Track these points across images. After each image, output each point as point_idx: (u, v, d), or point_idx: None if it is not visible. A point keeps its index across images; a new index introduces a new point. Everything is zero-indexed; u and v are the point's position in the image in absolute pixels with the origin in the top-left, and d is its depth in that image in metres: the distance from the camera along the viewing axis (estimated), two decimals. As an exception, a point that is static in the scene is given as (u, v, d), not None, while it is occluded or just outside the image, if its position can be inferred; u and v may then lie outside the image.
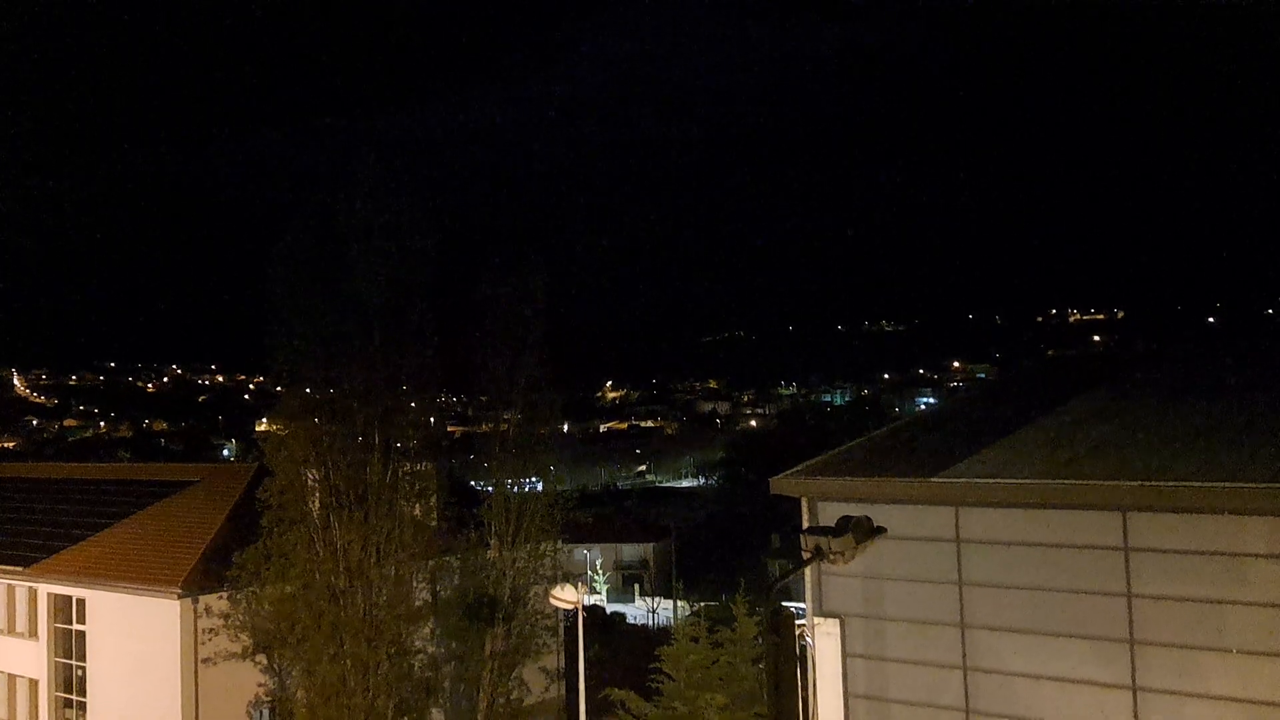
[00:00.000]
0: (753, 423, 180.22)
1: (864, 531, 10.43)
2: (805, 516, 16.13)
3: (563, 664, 31.20)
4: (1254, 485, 12.51)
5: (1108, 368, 23.08)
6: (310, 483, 25.01)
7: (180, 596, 27.40)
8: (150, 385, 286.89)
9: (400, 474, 25.27)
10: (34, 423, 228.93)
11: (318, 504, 24.74)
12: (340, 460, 24.66)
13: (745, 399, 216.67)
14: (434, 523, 26.44)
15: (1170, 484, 13.12)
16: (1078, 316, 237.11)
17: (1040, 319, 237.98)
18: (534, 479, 29.09)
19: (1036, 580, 14.21)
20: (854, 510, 14.97)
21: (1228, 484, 12.71)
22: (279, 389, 26.35)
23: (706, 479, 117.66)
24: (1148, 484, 13.28)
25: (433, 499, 26.37)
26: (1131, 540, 13.49)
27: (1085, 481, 13.74)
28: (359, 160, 25.25)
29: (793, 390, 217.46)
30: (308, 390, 25.65)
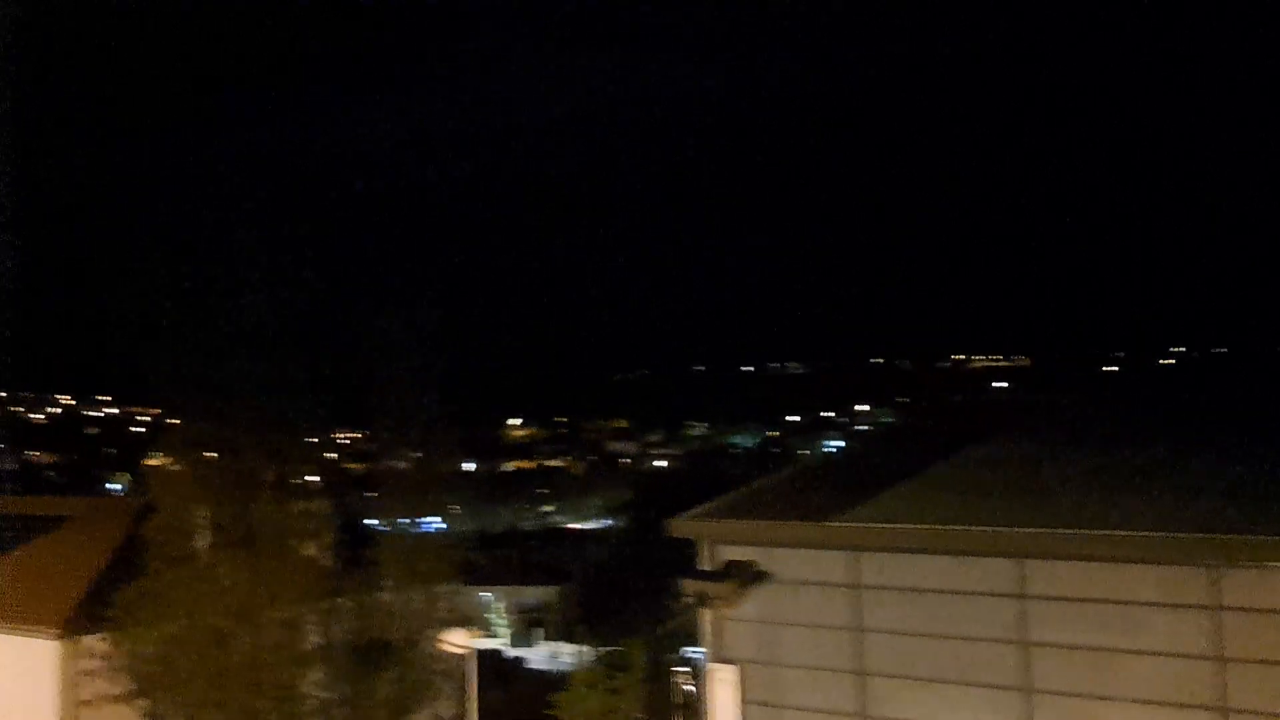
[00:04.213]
0: (660, 463, 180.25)
1: (747, 577, 10.15)
2: (704, 559, 15.89)
3: (458, 710, 30.40)
4: (1147, 534, 12.63)
5: (1007, 414, 23.42)
6: (197, 520, 24.06)
7: (59, 637, 26.39)
8: (38, 416, 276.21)
9: (292, 512, 24.44)
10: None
11: (204, 542, 23.78)
12: (229, 496, 23.74)
13: (653, 439, 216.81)
14: (326, 563, 25.59)
15: (1065, 532, 13.20)
16: (981, 363, 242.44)
17: (944, 365, 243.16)
18: (433, 518, 28.33)
19: (934, 627, 14.16)
20: (752, 554, 14.82)
21: (1121, 532, 12.82)
22: (169, 421, 25.39)
23: (612, 520, 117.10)
24: (1043, 531, 13.34)
25: (326, 538, 25.53)
26: (1027, 587, 13.53)
27: (981, 528, 13.76)
28: (245, 181, 24.62)
29: (701, 431, 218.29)
30: (197, 423, 24.72)
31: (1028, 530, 13.43)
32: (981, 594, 13.81)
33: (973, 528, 13.80)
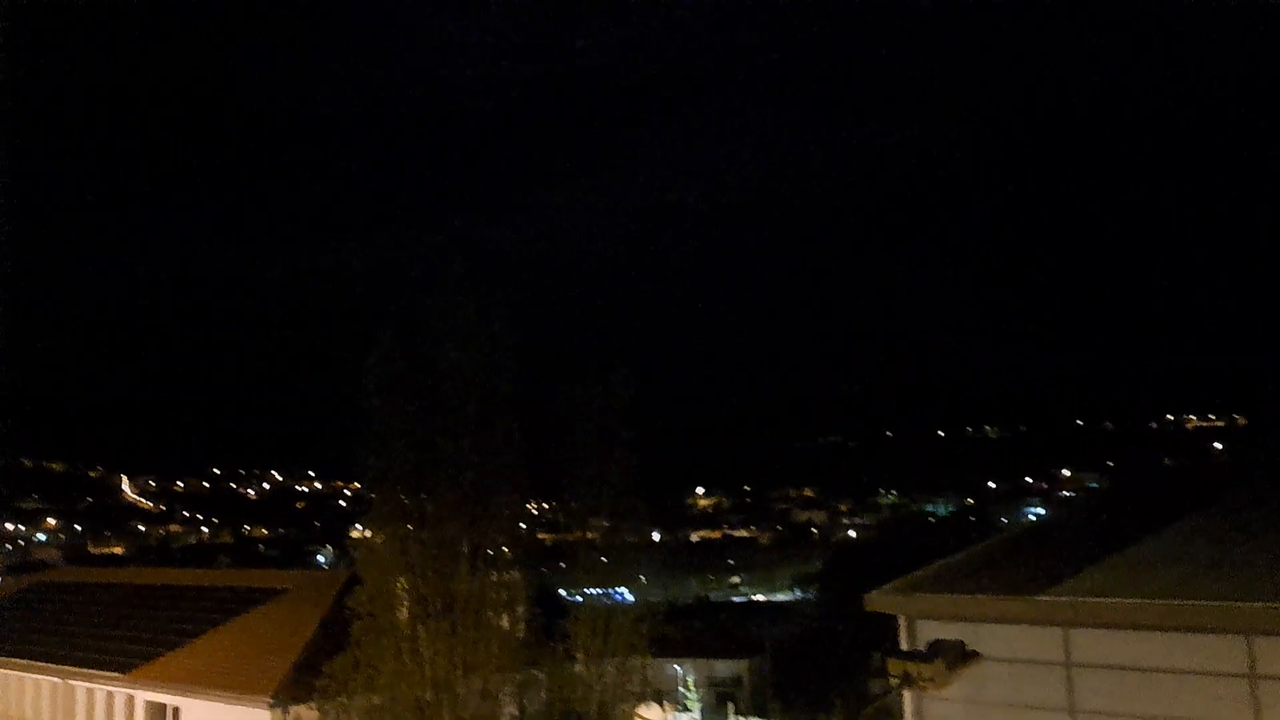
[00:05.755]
0: (851, 533, 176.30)
1: (955, 658, 9.73)
2: (903, 636, 15.37)
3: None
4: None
5: (1228, 479, 21.92)
6: (399, 591, 24.81)
7: (271, 705, 27.49)
8: (252, 492, 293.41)
9: (488, 583, 24.95)
10: (140, 528, 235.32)
11: (405, 613, 24.50)
12: (428, 568, 24.46)
13: (843, 508, 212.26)
14: (521, 634, 25.96)
15: (1300, 606, 12.17)
16: (1195, 423, 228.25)
17: (1155, 425, 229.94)
18: (622, 589, 28.45)
19: (1153, 709, 13.22)
20: (954, 630, 14.23)
21: (1366, 607, 11.73)
22: (371, 496, 26.38)
23: (803, 592, 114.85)
24: (1274, 605, 12.33)
25: (520, 609, 25.93)
26: (1258, 667, 12.50)
27: (1205, 602, 12.83)
28: (447, 267, 25.73)
29: (893, 499, 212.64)
30: (398, 497, 25.61)
31: (1258, 605, 12.44)
32: (1206, 673, 12.83)
33: (1196, 602, 12.88)
